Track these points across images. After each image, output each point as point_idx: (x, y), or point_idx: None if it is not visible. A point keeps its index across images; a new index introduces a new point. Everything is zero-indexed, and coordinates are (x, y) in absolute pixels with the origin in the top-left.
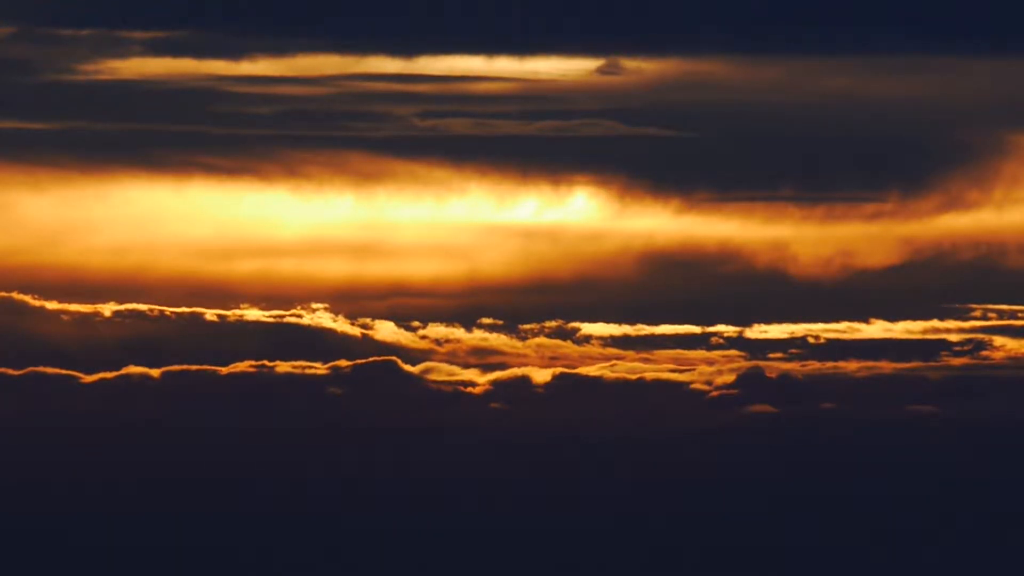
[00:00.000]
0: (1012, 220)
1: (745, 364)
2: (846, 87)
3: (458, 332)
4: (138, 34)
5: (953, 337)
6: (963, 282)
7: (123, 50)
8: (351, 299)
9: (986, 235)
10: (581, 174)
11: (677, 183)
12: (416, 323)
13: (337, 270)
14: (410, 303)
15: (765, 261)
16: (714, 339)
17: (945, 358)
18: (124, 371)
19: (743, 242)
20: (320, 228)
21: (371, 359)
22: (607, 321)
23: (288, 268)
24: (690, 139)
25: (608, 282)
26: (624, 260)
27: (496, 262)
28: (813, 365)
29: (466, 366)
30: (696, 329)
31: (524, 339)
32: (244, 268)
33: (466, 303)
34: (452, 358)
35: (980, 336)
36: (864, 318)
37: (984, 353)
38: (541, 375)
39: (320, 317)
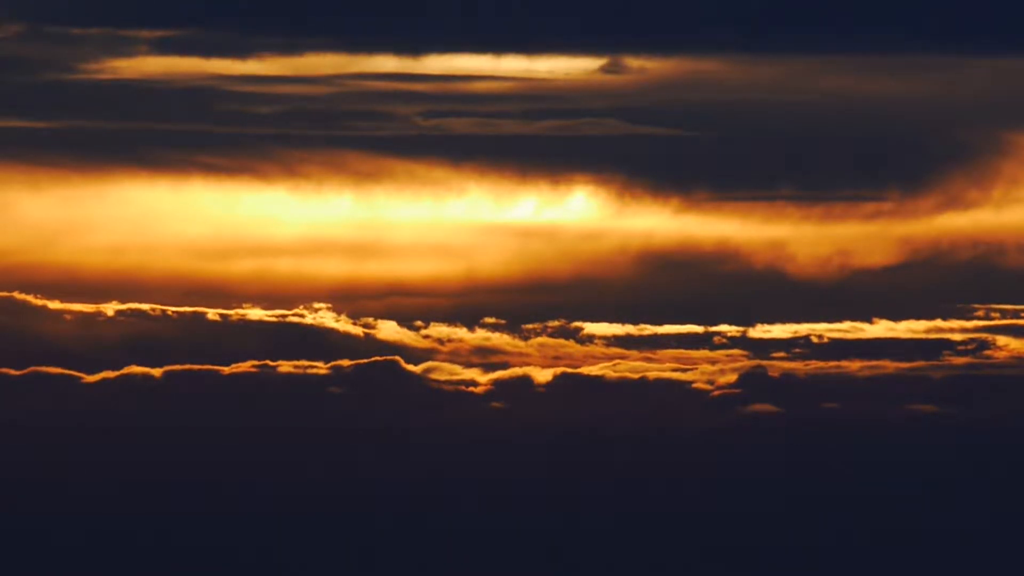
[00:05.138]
0: (1011, 220)
1: (748, 363)
2: (846, 87)
3: (460, 332)
4: (145, 33)
5: (956, 337)
6: (962, 282)
7: (130, 49)
8: (349, 298)
9: (985, 235)
10: (580, 173)
11: (676, 182)
12: (419, 323)
13: (336, 270)
14: (408, 303)
15: (764, 261)
16: (717, 339)
17: (948, 358)
18: (126, 371)
19: (742, 242)
20: (319, 227)
21: (373, 359)
22: (608, 321)
23: (286, 268)
24: (690, 138)
25: (607, 281)
26: (623, 259)
27: (495, 262)
28: (816, 364)
29: (468, 365)
30: (699, 329)
31: (527, 339)
32: (242, 268)
33: (465, 302)
34: (454, 358)
35: (984, 336)
36: (865, 318)
37: (987, 353)
38: (543, 375)
39: (323, 316)
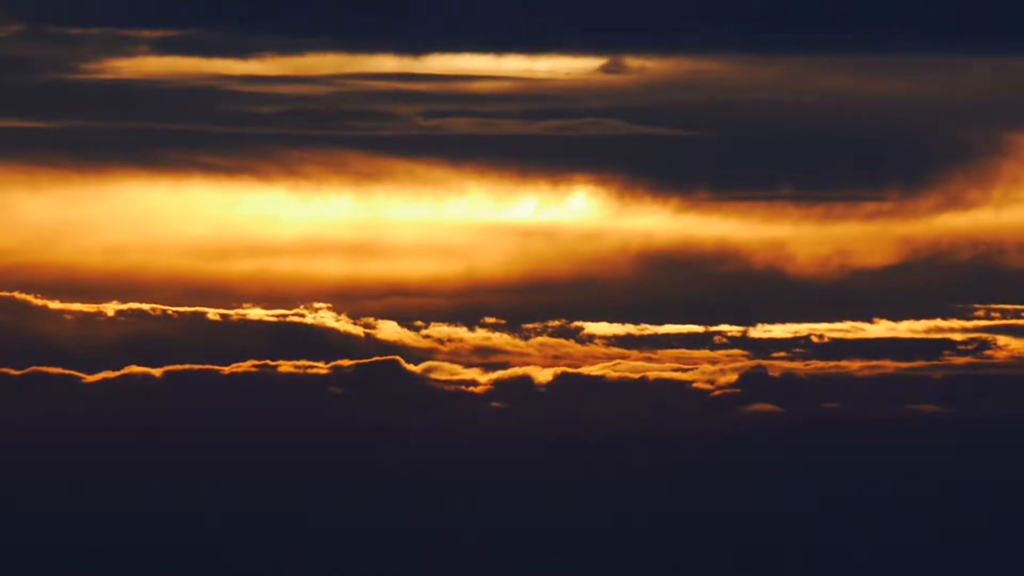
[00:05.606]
0: (1011, 220)
1: (748, 363)
2: (846, 87)
3: (460, 332)
4: (146, 33)
5: (956, 337)
6: (961, 282)
7: (130, 49)
8: (349, 298)
9: (985, 235)
10: (580, 173)
11: (676, 182)
12: (419, 322)
13: (335, 269)
14: (408, 302)
15: (764, 261)
16: (717, 338)
17: (948, 357)
18: (126, 371)
19: (741, 241)
20: (318, 227)
21: (373, 359)
22: (608, 321)
23: (286, 267)
24: (690, 138)
25: (607, 281)
26: (623, 259)
27: (495, 262)
28: (816, 364)
29: (468, 365)
30: (699, 329)
31: (527, 338)
32: (242, 267)
33: (464, 302)
34: (454, 357)
35: (984, 336)
36: (865, 318)
37: (987, 352)
38: (543, 374)
39: (323, 316)
